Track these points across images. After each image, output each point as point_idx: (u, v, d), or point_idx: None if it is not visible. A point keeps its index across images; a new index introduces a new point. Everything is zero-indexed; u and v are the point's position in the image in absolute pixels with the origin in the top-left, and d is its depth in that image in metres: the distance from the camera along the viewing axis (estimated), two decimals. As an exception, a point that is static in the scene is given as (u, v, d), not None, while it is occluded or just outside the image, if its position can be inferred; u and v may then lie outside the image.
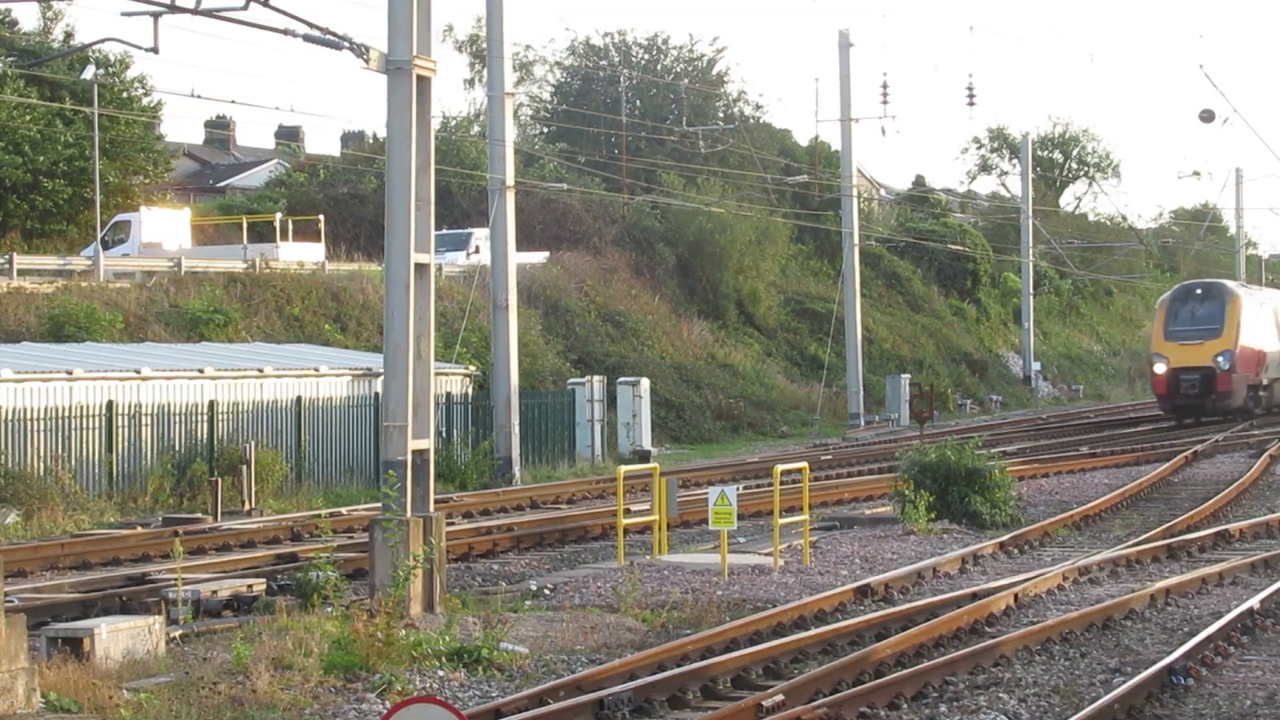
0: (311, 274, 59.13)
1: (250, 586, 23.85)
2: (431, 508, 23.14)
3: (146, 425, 38.85)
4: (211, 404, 40.11)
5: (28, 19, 69.80)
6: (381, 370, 25.76)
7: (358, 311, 57.41)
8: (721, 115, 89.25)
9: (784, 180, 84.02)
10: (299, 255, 61.51)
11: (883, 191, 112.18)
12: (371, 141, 78.64)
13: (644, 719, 16.90)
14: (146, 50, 26.26)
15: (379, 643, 18.51)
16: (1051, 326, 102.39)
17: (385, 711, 11.41)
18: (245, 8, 23.37)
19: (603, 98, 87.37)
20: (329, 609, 20.25)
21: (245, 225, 64.36)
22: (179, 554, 22.57)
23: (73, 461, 36.86)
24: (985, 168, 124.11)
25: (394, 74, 23.05)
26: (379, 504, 23.47)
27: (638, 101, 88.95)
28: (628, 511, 29.29)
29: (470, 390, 48.23)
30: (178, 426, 39.48)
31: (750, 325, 77.30)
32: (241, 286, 55.85)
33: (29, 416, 36.55)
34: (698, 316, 73.82)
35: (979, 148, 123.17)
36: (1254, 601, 22.28)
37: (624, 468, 30.37)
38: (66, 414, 37.21)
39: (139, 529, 33.08)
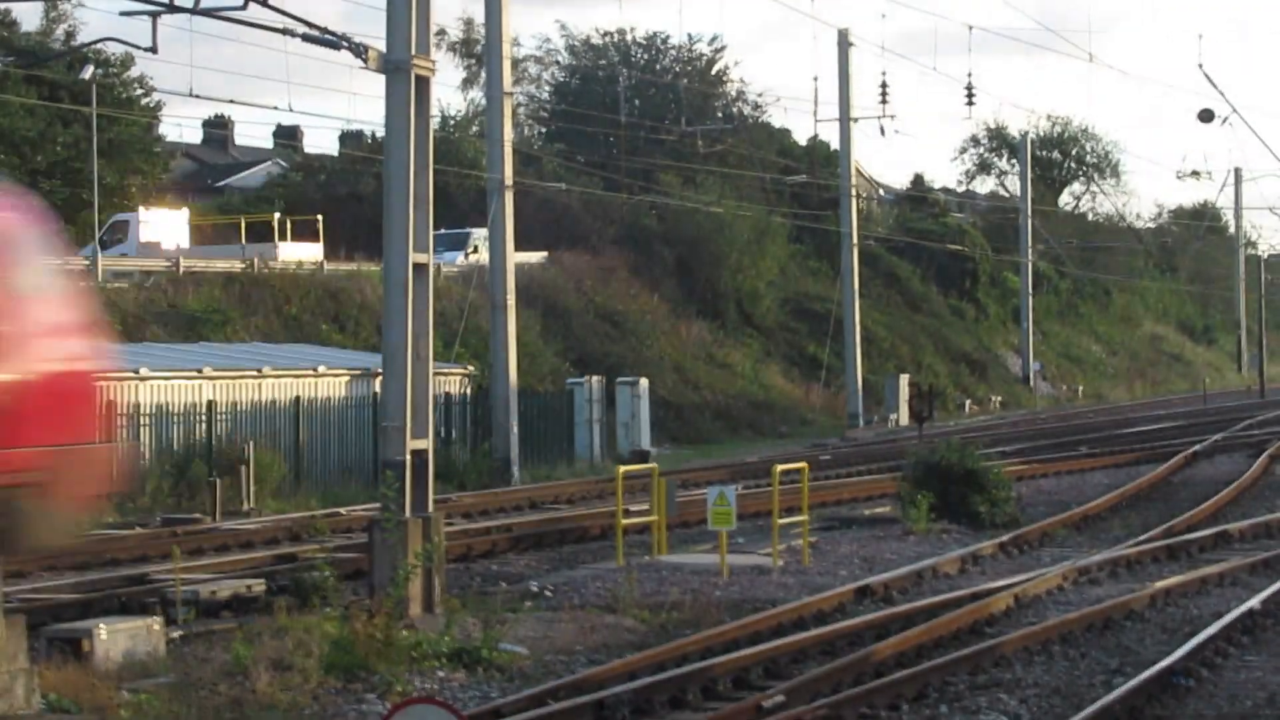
0: (310, 274, 59.12)
1: (249, 587, 23.81)
2: (430, 508, 23.11)
3: (145, 425, 38.81)
4: (210, 404, 40.08)
5: (29, 19, 69.77)
6: (380, 370, 25.70)
7: (356, 311, 57.39)
8: (720, 115, 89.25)
9: (783, 180, 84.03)
10: (297, 255, 61.51)
11: (881, 191, 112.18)
12: (370, 141, 78.56)
13: (644, 719, 16.88)
14: (145, 50, 26.30)
15: (379, 643, 18.48)
16: (1050, 326, 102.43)
17: (385, 712, 11.38)
18: (244, 7, 23.37)
19: (601, 97, 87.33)
20: (328, 609, 20.22)
21: (243, 225, 64.34)
22: (177, 557, 22.57)
23: (71, 462, 36.76)
24: (984, 167, 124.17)
25: (393, 74, 23.02)
26: (378, 504, 23.43)
27: (636, 101, 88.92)
28: (627, 512, 29.26)
29: (469, 390, 48.20)
30: (176, 427, 39.45)
31: (749, 325, 77.30)
32: (240, 286, 55.83)
33: (27, 417, 36.44)
34: (696, 316, 73.80)
35: (977, 147, 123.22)
36: (1254, 602, 22.25)
37: (623, 468, 30.35)
38: (65, 414, 37.10)
39: (138, 529, 33.05)
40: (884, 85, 71.81)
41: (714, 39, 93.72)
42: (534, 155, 79.77)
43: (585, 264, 71.65)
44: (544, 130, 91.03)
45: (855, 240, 70.93)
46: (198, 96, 54.98)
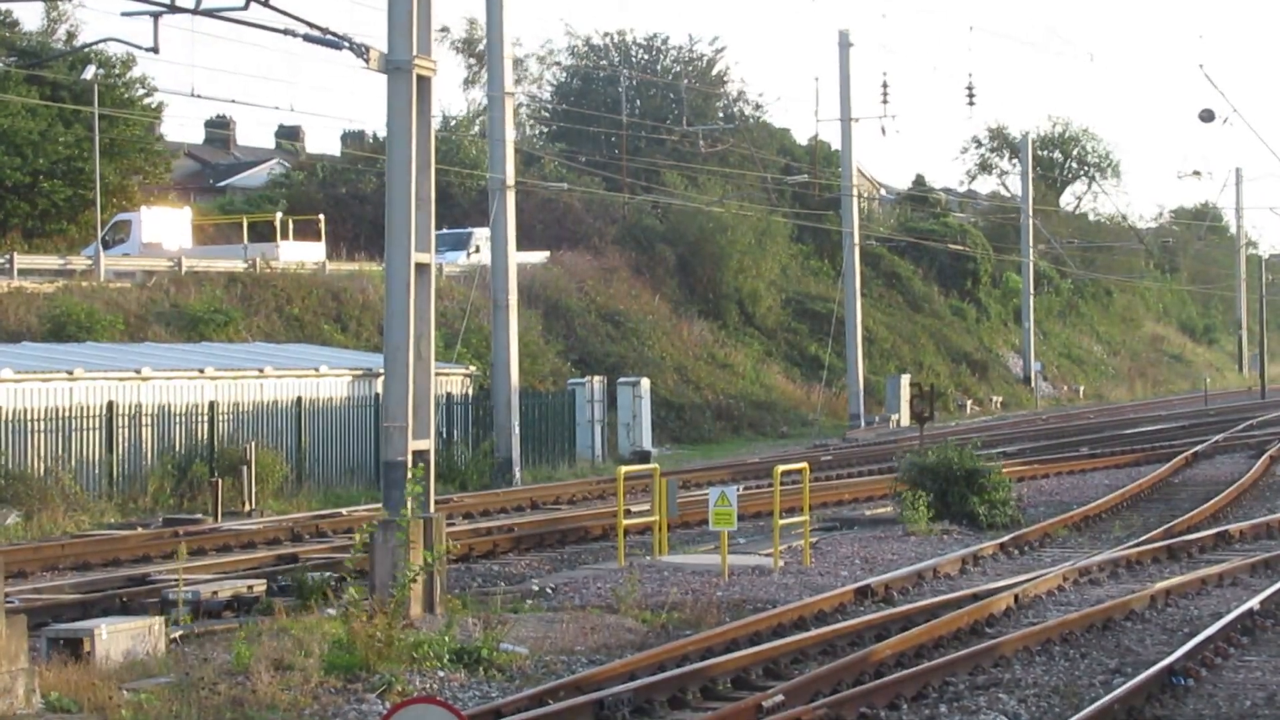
0: (312, 274, 59.16)
1: (251, 587, 23.85)
2: (432, 508, 23.13)
3: (147, 425, 38.85)
4: (212, 404, 40.11)
5: (31, 19, 69.87)
6: (382, 370, 25.76)
7: (358, 311, 57.42)
8: (721, 115, 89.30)
9: (784, 180, 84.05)
10: (299, 255, 61.54)
11: (883, 191, 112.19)
12: (372, 141, 78.61)
13: (644, 719, 16.91)
14: (146, 50, 26.31)
15: (379, 643, 18.50)
16: (1051, 326, 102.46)
17: (385, 712, 11.41)
18: (245, 8, 23.38)
19: (603, 97, 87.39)
20: (329, 610, 20.23)
21: (245, 225, 64.39)
22: (183, 555, 22.62)
23: (73, 462, 36.85)
24: (985, 167, 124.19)
25: (394, 74, 23.04)
26: (379, 504, 23.44)
27: (638, 101, 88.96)
28: (628, 512, 29.30)
29: (471, 390, 48.23)
30: (178, 427, 39.48)
31: (750, 325, 77.33)
32: (242, 286, 55.86)
33: (29, 417, 36.55)
34: (698, 316, 73.83)
35: (979, 147, 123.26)
36: (1254, 602, 22.28)
37: (624, 468, 30.37)
38: (67, 414, 37.21)
39: (139, 530, 33.08)
40: (884, 85, 71.90)
41: (714, 39, 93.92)
42: (535, 155, 79.79)
43: (587, 264, 71.68)
44: (545, 130, 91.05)
45: (857, 240, 70.95)
46: (199, 97, 55.11)
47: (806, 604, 22.70)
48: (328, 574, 24.16)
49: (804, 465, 30.79)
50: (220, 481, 35.83)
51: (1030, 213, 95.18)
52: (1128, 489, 38.72)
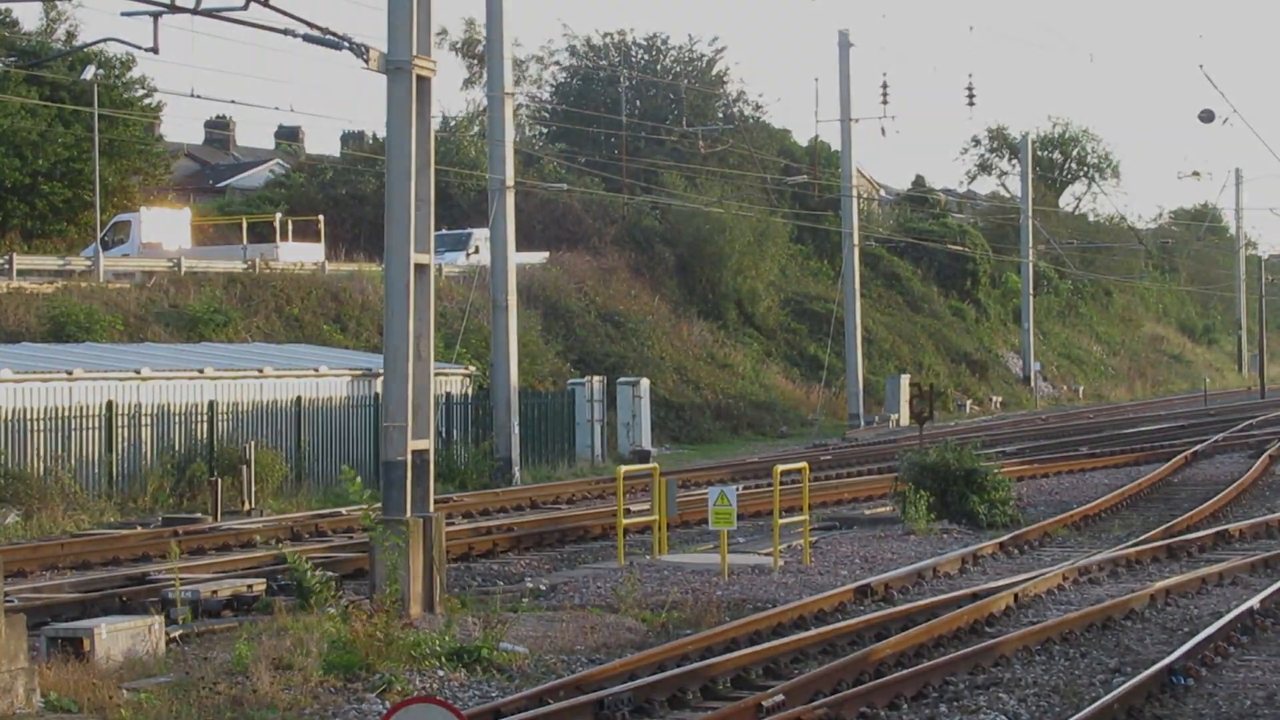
0: (311, 274, 59.17)
1: (250, 586, 23.84)
2: (431, 508, 23.14)
3: (146, 425, 38.86)
4: (211, 404, 40.12)
5: (30, 19, 69.84)
6: (381, 370, 25.76)
7: (357, 312, 57.42)
8: (721, 115, 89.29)
9: (783, 180, 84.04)
10: (299, 255, 61.56)
11: (882, 192, 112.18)
12: (371, 141, 78.60)
13: (644, 719, 16.90)
14: (146, 50, 26.27)
15: (379, 643, 18.50)
16: (1051, 327, 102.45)
17: (385, 711, 11.41)
18: (245, 8, 23.36)
19: (602, 98, 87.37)
20: (329, 609, 20.23)
21: (245, 225, 64.40)
22: (175, 554, 22.61)
23: (72, 461, 36.86)
24: (985, 168, 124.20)
25: (394, 74, 23.04)
26: (378, 504, 23.44)
27: (637, 101, 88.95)
28: (628, 511, 29.30)
29: (470, 390, 48.23)
30: (177, 426, 39.49)
31: (750, 325, 77.33)
32: (241, 287, 55.86)
33: (29, 417, 36.56)
34: (697, 317, 73.83)
35: (978, 148, 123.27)
36: (1254, 601, 22.27)
37: (624, 468, 30.38)
38: (66, 414, 37.22)
39: (139, 529, 33.07)
40: (884, 85, 71.94)
41: (714, 40, 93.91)
42: (535, 156, 79.78)
43: (586, 264, 71.68)
44: (545, 131, 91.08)
45: (856, 241, 70.96)
46: (199, 97, 55.13)
47: (806, 603, 22.69)
48: (327, 573, 24.16)
49: (804, 465, 30.79)
50: (220, 481, 35.82)
51: (1030, 213, 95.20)
52: (1127, 488, 38.71)
